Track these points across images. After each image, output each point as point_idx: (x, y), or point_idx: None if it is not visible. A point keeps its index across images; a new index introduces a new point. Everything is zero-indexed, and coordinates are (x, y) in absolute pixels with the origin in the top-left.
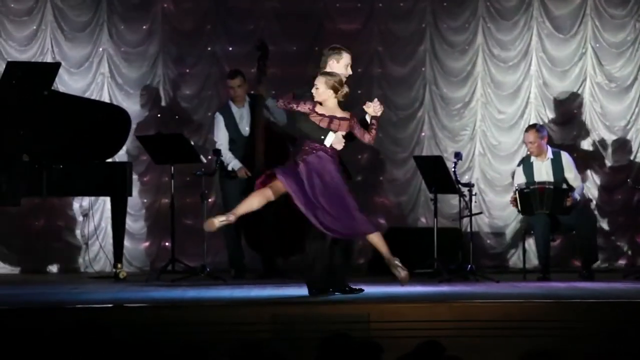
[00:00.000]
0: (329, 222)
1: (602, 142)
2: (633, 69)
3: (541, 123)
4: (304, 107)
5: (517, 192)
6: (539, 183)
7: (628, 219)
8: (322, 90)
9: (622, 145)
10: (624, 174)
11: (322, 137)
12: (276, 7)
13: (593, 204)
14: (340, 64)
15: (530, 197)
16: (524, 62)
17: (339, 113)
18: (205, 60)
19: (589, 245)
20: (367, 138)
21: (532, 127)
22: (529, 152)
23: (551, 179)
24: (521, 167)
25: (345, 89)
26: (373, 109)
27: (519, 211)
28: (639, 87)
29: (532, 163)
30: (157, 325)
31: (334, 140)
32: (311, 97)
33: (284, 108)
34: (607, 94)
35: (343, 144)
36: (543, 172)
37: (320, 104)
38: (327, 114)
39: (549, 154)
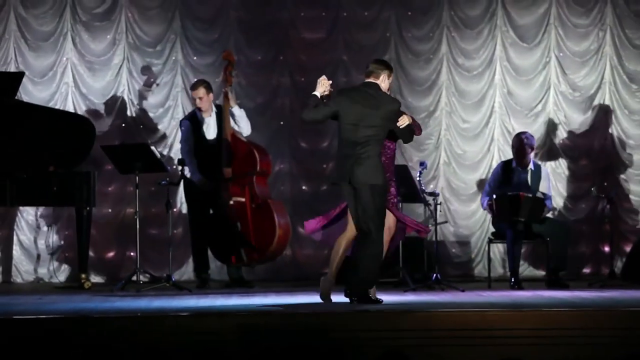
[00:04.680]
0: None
1: (566, 150)
2: (596, 77)
3: (506, 132)
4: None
5: (494, 200)
6: (518, 190)
7: (592, 228)
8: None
9: (586, 154)
10: (587, 183)
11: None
12: (241, 16)
13: (556, 212)
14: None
15: (508, 204)
16: (488, 71)
17: None
18: (170, 70)
19: (560, 253)
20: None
21: (522, 135)
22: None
23: (528, 187)
24: (500, 168)
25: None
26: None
27: (494, 216)
28: (603, 96)
29: (513, 169)
30: (122, 335)
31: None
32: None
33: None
34: (571, 103)
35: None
36: (521, 179)
37: None
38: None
39: (531, 165)
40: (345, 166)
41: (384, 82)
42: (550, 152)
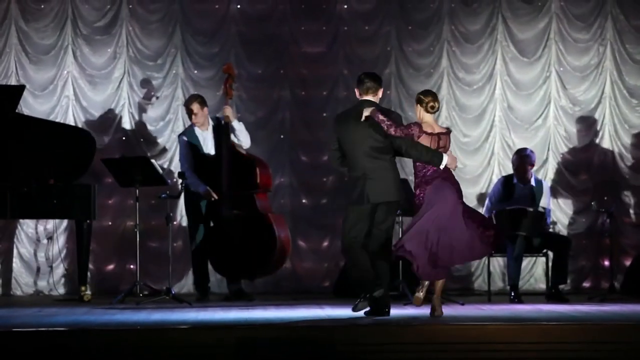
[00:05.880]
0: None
1: (567, 165)
2: (597, 92)
3: (506, 146)
4: (410, 131)
5: (494, 215)
6: (519, 205)
7: (592, 242)
8: (417, 111)
9: (586, 168)
10: (588, 197)
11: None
12: (241, 30)
13: (557, 226)
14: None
15: (509, 218)
16: (488, 85)
17: (438, 128)
18: (170, 83)
19: (561, 267)
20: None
21: (522, 152)
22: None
23: (529, 203)
24: (501, 184)
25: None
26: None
27: None
28: (603, 111)
29: (514, 184)
30: (121, 348)
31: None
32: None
33: (398, 134)
34: (571, 118)
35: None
36: (522, 195)
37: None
38: (434, 132)
39: (532, 181)
40: (359, 186)
41: (378, 98)
42: (550, 166)
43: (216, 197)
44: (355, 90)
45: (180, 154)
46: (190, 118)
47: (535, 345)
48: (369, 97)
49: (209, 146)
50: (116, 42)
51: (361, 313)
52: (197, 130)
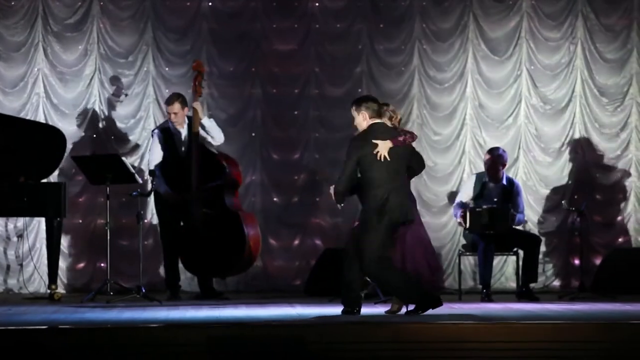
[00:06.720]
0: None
1: (537, 163)
2: (567, 90)
3: (477, 145)
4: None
5: (467, 210)
6: (490, 203)
7: (563, 241)
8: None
9: (557, 167)
10: (558, 196)
11: None
12: (213, 27)
13: (527, 225)
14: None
15: (480, 216)
16: (459, 83)
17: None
18: (142, 81)
19: (532, 266)
20: None
21: (495, 152)
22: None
23: (500, 201)
24: (473, 181)
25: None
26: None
27: (465, 228)
28: (573, 109)
29: (485, 182)
30: (92, 347)
31: None
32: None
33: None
34: (542, 116)
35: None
36: (493, 194)
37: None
38: None
39: (504, 180)
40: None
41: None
42: (521, 164)
43: (178, 200)
44: (361, 115)
45: (151, 149)
46: (168, 117)
47: (505, 344)
48: (380, 120)
49: (182, 144)
50: (87, 39)
51: (335, 311)
52: (173, 128)
